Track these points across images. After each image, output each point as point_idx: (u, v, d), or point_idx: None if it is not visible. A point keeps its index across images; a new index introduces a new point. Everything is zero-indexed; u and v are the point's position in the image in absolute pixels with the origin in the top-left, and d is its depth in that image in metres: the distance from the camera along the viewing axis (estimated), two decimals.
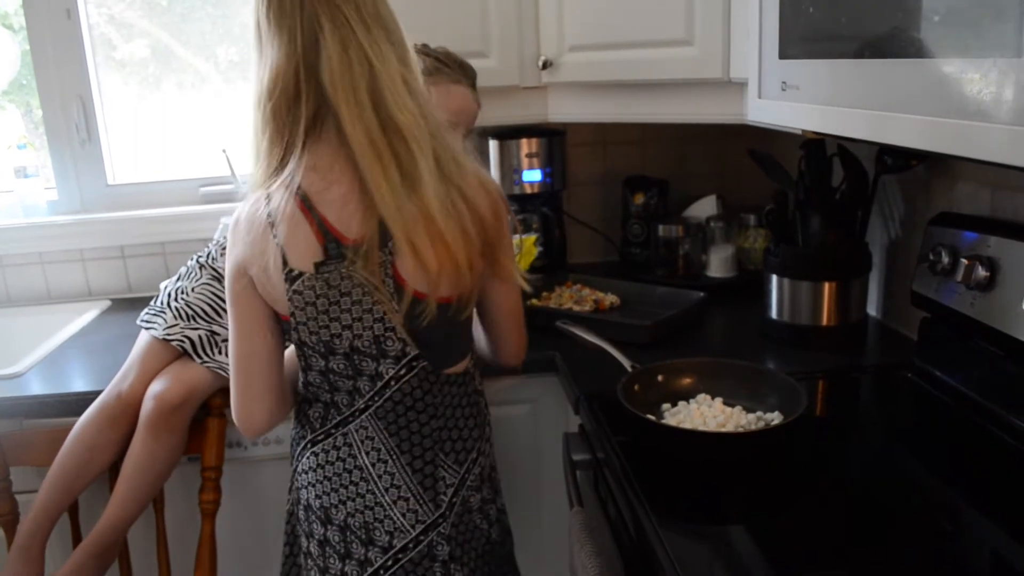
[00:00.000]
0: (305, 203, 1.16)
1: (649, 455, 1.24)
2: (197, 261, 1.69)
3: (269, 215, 1.16)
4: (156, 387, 1.50)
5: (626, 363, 1.42)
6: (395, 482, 1.24)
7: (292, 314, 1.19)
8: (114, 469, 1.56)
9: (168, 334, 1.54)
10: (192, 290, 1.62)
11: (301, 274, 1.16)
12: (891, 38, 1.02)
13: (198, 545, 1.57)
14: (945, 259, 1.36)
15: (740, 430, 1.24)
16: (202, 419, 1.56)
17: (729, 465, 1.20)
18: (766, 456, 1.21)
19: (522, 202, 2.14)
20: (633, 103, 1.81)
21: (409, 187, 1.13)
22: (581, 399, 1.44)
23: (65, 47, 2.19)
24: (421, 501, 1.25)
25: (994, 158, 0.86)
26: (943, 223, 1.42)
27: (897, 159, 1.53)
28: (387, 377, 1.21)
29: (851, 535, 1.05)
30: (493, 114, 1.93)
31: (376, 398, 1.22)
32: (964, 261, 1.31)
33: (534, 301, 1.92)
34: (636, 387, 1.34)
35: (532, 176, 2.13)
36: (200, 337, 1.55)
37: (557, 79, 1.88)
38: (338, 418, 1.25)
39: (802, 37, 1.25)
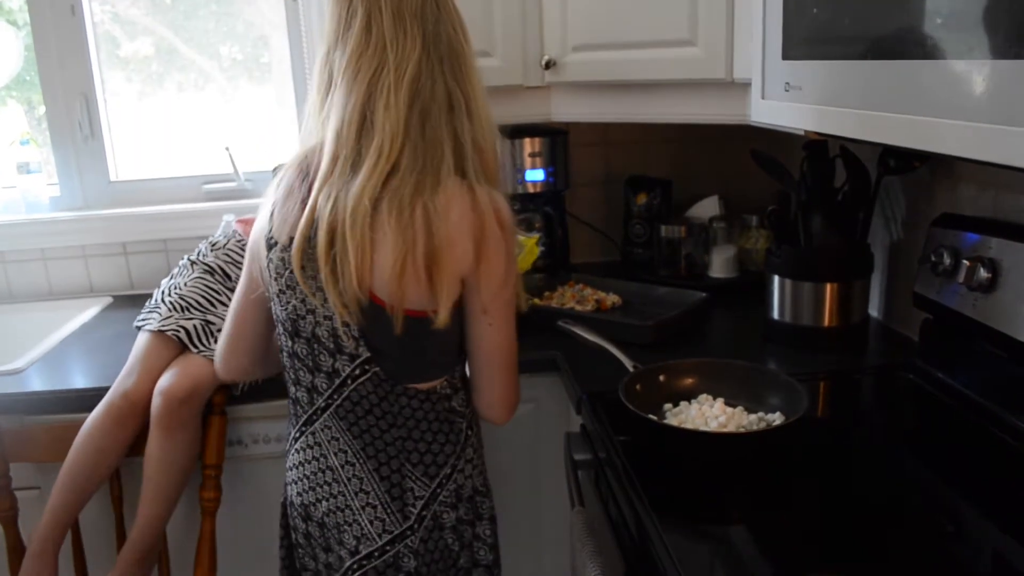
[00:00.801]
0: (304, 176, 1.17)
1: (651, 455, 1.24)
2: (188, 259, 1.73)
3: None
4: (162, 383, 1.50)
5: (628, 363, 1.42)
6: (364, 487, 1.24)
7: (268, 283, 1.22)
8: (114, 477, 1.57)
9: (163, 326, 1.56)
10: (185, 284, 1.65)
11: (277, 243, 1.18)
12: (894, 39, 1.02)
13: (198, 543, 1.58)
14: (947, 260, 1.36)
15: (741, 431, 1.24)
16: (203, 417, 1.56)
17: (730, 465, 1.20)
18: (767, 456, 1.21)
19: (525, 202, 2.14)
20: (636, 103, 1.81)
21: (346, 183, 1.13)
22: (583, 399, 1.44)
23: (69, 44, 2.19)
24: (389, 511, 1.24)
25: (996, 159, 0.86)
26: (945, 224, 1.42)
27: (900, 160, 1.53)
28: (344, 375, 1.21)
29: (852, 536, 1.05)
30: (496, 113, 1.92)
31: (335, 396, 1.22)
32: (966, 262, 1.31)
33: (536, 300, 1.92)
34: (638, 387, 1.34)
35: (535, 176, 2.13)
36: (195, 327, 1.57)
37: (560, 79, 1.88)
38: (304, 416, 1.27)
39: (806, 38, 1.25)
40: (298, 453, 1.29)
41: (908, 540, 1.02)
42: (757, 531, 1.07)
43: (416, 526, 1.25)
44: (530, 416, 1.72)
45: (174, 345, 1.55)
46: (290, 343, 1.24)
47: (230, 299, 1.62)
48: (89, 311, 2.09)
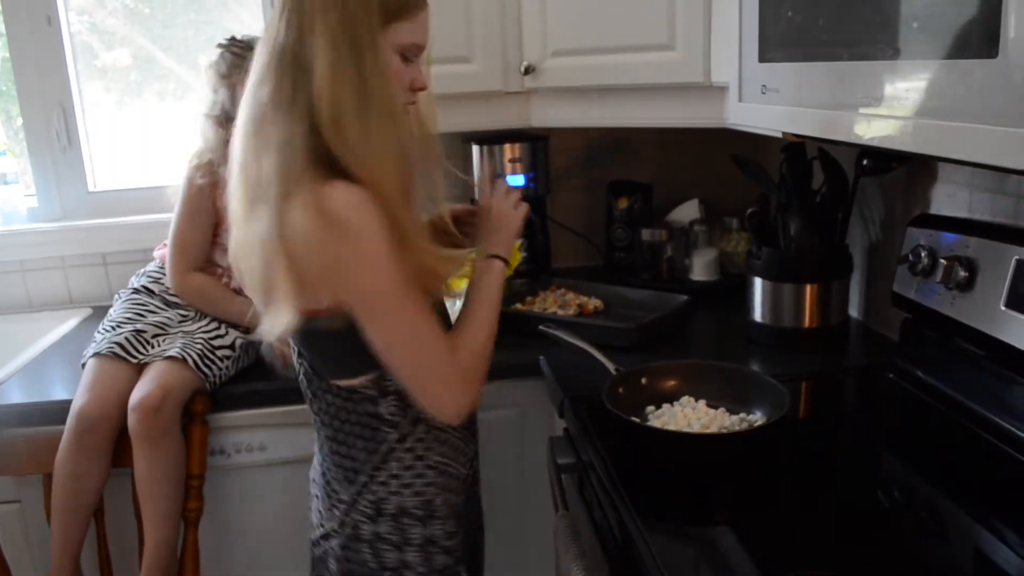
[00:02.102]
0: None
1: (634, 458, 1.24)
2: (119, 295, 1.82)
3: None
4: (133, 399, 1.51)
5: (610, 366, 1.42)
6: (313, 474, 1.30)
7: None
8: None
9: (98, 348, 1.59)
10: (115, 311, 1.73)
11: None
12: (869, 41, 1.03)
13: (182, 553, 1.57)
14: (925, 260, 1.38)
15: (724, 431, 1.25)
16: (184, 427, 1.55)
17: (714, 467, 1.21)
18: (750, 457, 1.22)
19: None
20: (616, 107, 1.82)
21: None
22: (565, 403, 1.44)
23: (46, 54, 2.17)
24: (324, 505, 1.25)
25: (971, 158, 0.87)
26: (922, 224, 1.43)
27: (876, 161, 1.54)
28: (296, 359, 1.25)
29: (835, 535, 1.05)
30: (476, 119, 1.94)
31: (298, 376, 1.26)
32: (943, 262, 1.32)
33: (519, 306, 1.93)
34: (620, 390, 1.34)
35: (516, 181, 2.13)
36: (126, 339, 1.60)
37: (540, 84, 1.89)
38: None
39: (781, 41, 1.26)
40: None
41: (891, 538, 1.03)
42: (740, 532, 1.07)
43: (339, 529, 1.23)
44: (514, 420, 1.72)
45: (115, 362, 1.57)
46: None
47: (160, 308, 1.73)
48: (69, 322, 2.08)
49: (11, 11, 2.13)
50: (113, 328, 1.65)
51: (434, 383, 1.14)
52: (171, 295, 1.76)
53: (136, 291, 1.79)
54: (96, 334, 1.68)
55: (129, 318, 1.68)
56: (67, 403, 1.55)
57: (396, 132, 1.10)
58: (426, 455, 1.23)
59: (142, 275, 1.84)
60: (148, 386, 1.51)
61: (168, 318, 1.70)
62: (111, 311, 1.75)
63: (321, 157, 1.06)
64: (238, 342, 1.66)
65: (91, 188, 2.28)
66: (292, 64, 1.07)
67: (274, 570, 1.71)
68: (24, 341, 1.94)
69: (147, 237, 2.21)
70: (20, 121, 2.22)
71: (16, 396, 1.64)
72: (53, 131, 2.21)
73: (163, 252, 1.81)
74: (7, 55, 2.17)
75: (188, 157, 1.74)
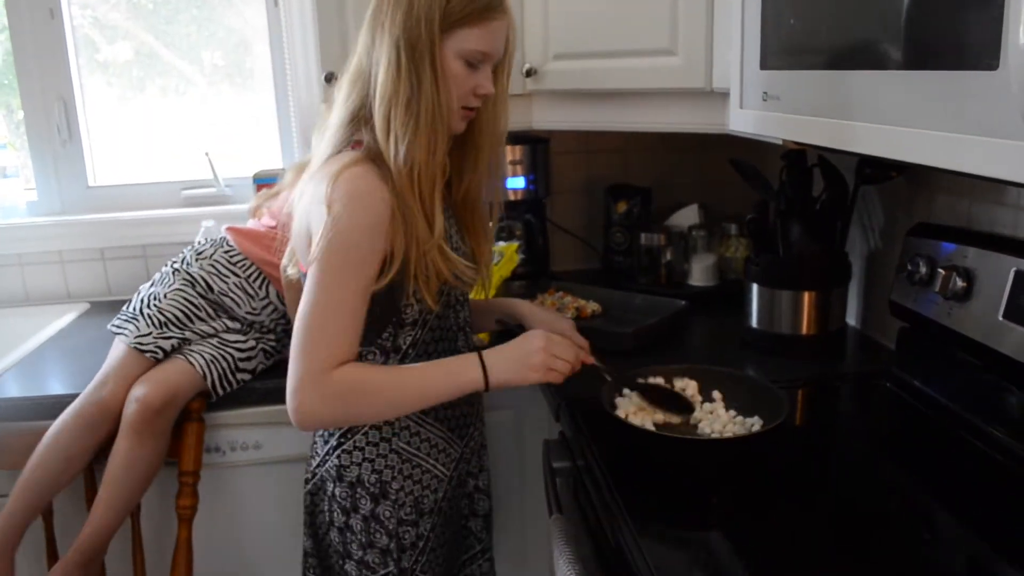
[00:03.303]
0: None
1: (629, 462, 1.24)
2: (172, 266, 1.68)
3: None
4: (137, 391, 1.49)
5: (605, 372, 1.41)
6: None
7: None
8: (88, 476, 1.55)
9: (140, 343, 1.54)
10: (164, 296, 1.61)
11: None
12: (869, 50, 1.03)
13: (174, 551, 1.56)
14: (923, 269, 1.38)
15: (723, 436, 1.25)
16: (180, 423, 1.55)
17: (709, 472, 1.21)
18: (746, 463, 1.22)
19: (505, 209, 2.14)
20: (617, 112, 1.82)
21: None
22: (562, 406, 1.44)
23: (48, 48, 2.17)
24: (310, 452, 1.37)
25: (967, 169, 0.87)
26: (921, 234, 1.43)
27: (877, 170, 1.54)
28: None
29: (830, 542, 1.05)
30: None
31: None
32: (941, 271, 1.32)
33: None
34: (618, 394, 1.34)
35: (516, 183, 2.13)
36: (173, 347, 1.55)
37: (541, 87, 1.89)
38: None
39: (783, 48, 1.26)
40: None
41: (886, 546, 1.03)
42: (735, 538, 1.07)
43: (311, 478, 1.35)
44: (512, 422, 1.72)
45: (150, 360, 1.54)
46: None
47: (209, 315, 1.61)
48: (66, 317, 2.07)
49: (13, 4, 2.13)
50: (160, 321, 1.57)
51: (299, 371, 1.16)
52: (225, 295, 1.64)
53: (191, 281, 1.63)
54: (137, 308, 1.60)
55: (177, 317, 1.58)
56: (64, 397, 1.55)
57: (439, 140, 1.18)
58: (392, 440, 1.28)
59: (205, 259, 1.66)
60: (158, 385, 1.49)
61: (214, 328, 1.62)
62: (157, 286, 1.63)
63: (369, 147, 1.19)
64: (260, 368, 1.63)
65: (91, 183, 2.28)
66: (361, 73, 1.21)
67: (267, 568, 1.71)
68: (21, 335, 1.94)
69: (146, 233, 2.21)
70: (21, 115, 2.22)
71: (12, 390, 1.64)
72: (54, 125, 2.21)
73: (234, 236, 1.69)
74: (9, 48, 2.17)
75: None
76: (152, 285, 1.66)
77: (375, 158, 1.18)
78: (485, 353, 1.21)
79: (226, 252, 1.67)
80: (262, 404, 1.62)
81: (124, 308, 1.65)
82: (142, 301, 1.62)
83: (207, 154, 2.24)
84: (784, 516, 1.14)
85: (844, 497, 1.19)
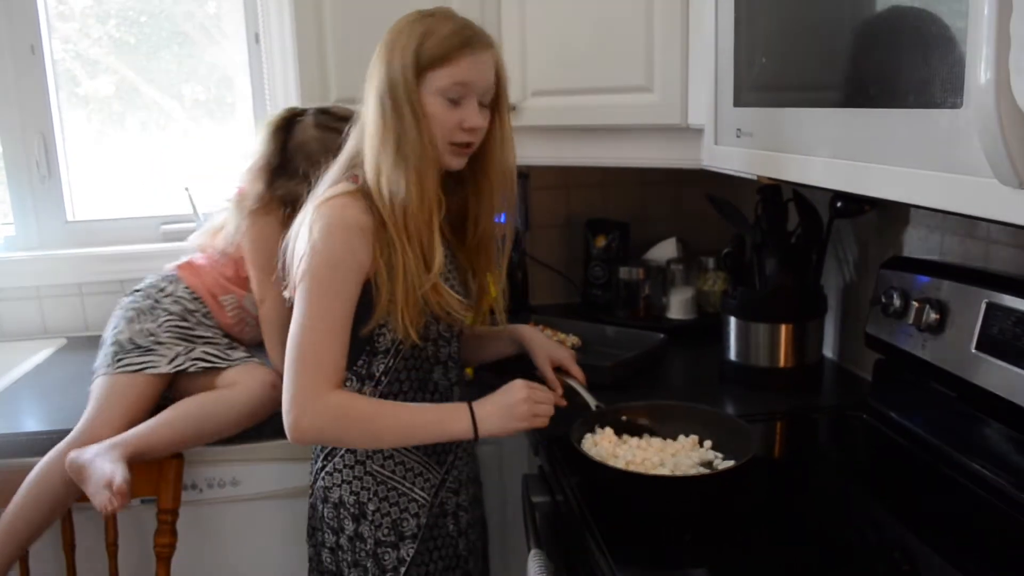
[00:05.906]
0: None
1: (606, 497, 1.24)
2: (141, 305, 1.70)
3: None
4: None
5: (592, 402, 1.41)
6: None
7: None
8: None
9: (178, 365, 1.60)
10: (159, 326, 1.66)
11: None
12: (838, 88, 1.06)
13: None
14: (897, 302, 1.39)
15: (688, 475, 1.23)
16: (161, 460, 1.53)
17: (689, 506, 1.20)
18: (721, 498, 1.22)
19: None
20: (595, 147, 1.84)
21: None
22: (540, 441, 1.44)
23: (28, 83, 2.18)
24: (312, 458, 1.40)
25: (939, 206, 0.88)
26: (895, 266, 1.45)
27: (849, 204, 1.57)
28: None
29: (809, 575, 1.05)
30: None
31: None
32: (915, 304, 1.34)
33: None
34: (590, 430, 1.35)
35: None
36: (203, 355, 1.63)
37: (520, 123, 1.90)
38: None
39: (755, 86, 1.29)
40: None
41: None
42: (713, 573, 1.07)
43: (312, 491, 1.39)
44: (493, 456, 1.72)
45: (143, 389, 1.56)
46: None
47: (203, 338, 1.69)
48: (42, 352, 2.05)
49: None
50: (182, 337, 1.66)
51: (290, 388, 1.21)
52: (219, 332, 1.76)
53: (171, 311, 1.70)
54: (139, 345, 1.62)
55: (186, 336, 1.68)
56: (39, 435, 1.54)
57: (427, 177, 1.23)
58: (366, 462, 1.32)
59: (170, 296, 1.73)
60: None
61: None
62: (142, 322, 1.67)
63: (364, 184, 1.25)
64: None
65: (69, 218, 2.27)
66: (359, 122, 1.29)
67: None
68: None
69: (124, 268, 2.20)
70: (0, 149, 2.21)
71: None
72: (33, 160, 2.21)
73: (184, 273, 1.78)
74: None
75: None
76: (129, 323, 1.66)
77: (368, 195, 1.24)
78: (475, 405, 1.26)
79: (186, 288, 1.75)
80: (239, 442, 1.61)
81: (104, 354, 1.64)
82: (129, 339, 1.63)
83: (187, 189, 2.24)
84: (762, 550, 1.14)
85: (823, 529, 1.19)
